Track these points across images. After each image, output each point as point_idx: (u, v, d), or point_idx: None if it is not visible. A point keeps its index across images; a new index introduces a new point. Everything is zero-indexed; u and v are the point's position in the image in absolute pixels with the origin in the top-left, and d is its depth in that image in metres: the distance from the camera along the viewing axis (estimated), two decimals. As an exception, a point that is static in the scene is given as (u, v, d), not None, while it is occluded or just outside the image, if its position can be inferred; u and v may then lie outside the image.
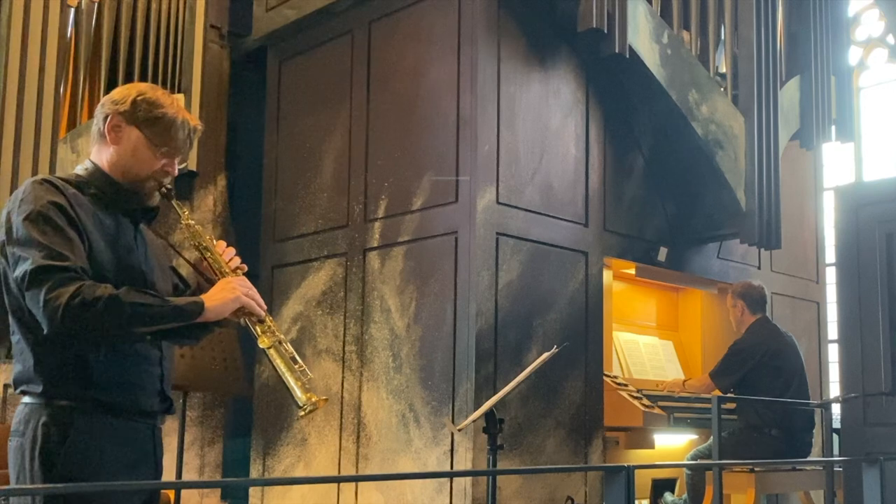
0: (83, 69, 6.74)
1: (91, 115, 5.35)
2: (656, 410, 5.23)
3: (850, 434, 5.15)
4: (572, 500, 4.84)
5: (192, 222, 2.38)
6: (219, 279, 2.31)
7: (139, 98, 2.29)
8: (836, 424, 5.86)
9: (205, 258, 2.37)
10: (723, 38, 6.04)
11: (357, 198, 5.35)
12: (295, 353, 2.30)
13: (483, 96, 4.83)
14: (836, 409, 5.82)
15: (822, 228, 7.17)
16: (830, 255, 6.62)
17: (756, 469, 5.02)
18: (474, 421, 3.79)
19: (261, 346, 2.27)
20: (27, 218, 2.10)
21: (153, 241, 2.41)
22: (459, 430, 4.25)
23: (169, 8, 6.35)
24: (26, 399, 2.15)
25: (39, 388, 2.12)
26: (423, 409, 4.79)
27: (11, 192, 4.56)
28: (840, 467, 5.05)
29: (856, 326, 5.14)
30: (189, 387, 4.45)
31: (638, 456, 5.42)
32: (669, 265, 5.79)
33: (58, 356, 2.12)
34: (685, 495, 5.28)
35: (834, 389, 6.74)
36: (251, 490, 5.58)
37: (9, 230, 2.13)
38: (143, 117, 2.28)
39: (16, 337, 2.18)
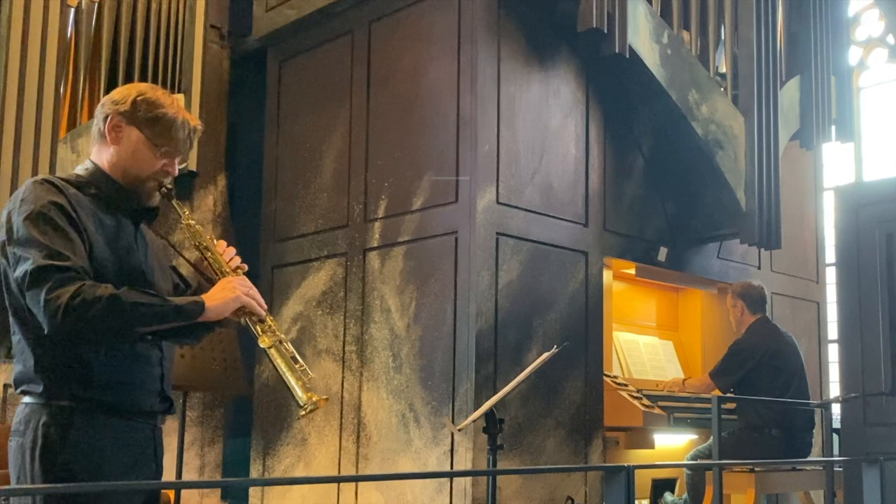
0: (83, 69, 6.75)
1: (91, 115, 5.35)
2: (656, 410, 5.23)
3: (850, 434, 5.15)
4: (572, 500, 4.84)
5: (193, 222, 2.38)
6: (219, 279, 2.32)
7: (139, 98, 2.30)
8: (836, 424, 5.86)
9: (205, 258, 2.37)
10: (723, 38, 6.04)
11: (357, 198, 5.35)
12: (295, 352, 2.30)
13: (483, 96, 4.83)
14: (836, 409, 5.83)
15: (822, 228, 7.17)
16: (830, 255, 6.62)
17: (756, 469, 5.02)
18: (474, 421, 3.79)
19: (261, 345, 2.27)
20: (28, 218, 2.11)
21: (154, 241, 2.41)
22: (459, 430, 4.25)
23: (169, 8, 6.36)
24: (27, 399, 2.15)
25: (40, 388, 2.12)
26: (423, 409, 4.79)
27: (11, 192, 4.57)
28: (840, 467, 5.05)
29: (856, 326, 5.14)
30: (189, 387, 4.45)
31: (638, 456, 5.42)
32: (669, 265, 5.79)
33: (58, 356, 2.12)
34: (685, 495, 5.28)
35: (834, 389, 6.74)
36: (251, 490, 5.58)
37: (9, 230, 2.13)
38: (144, 117, 2.28)
39: (16, 337, 2.18)
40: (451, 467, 4.62)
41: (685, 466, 5.33)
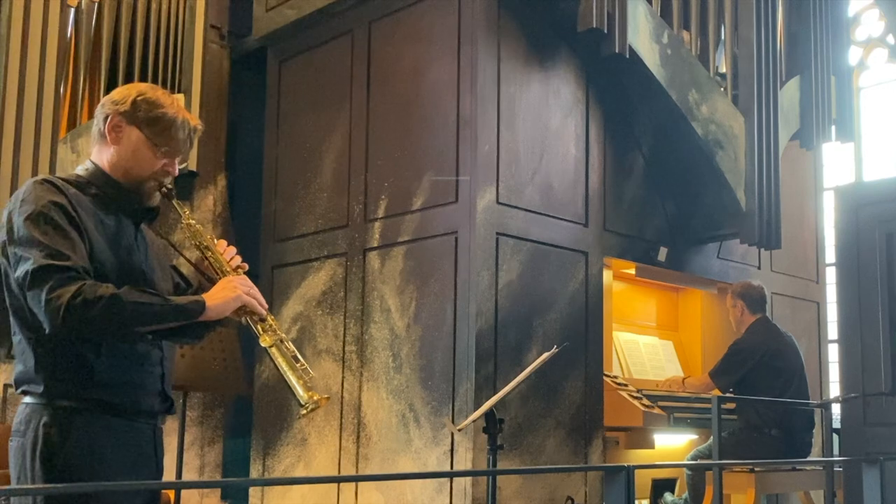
0: (83, 69, 6.74)
1: (91, 115, 5.35)
2: (656, 410, 5.23)
3: (850, 434, 5.15)
4: (572, 500, 4.84)
5: (193, 222, 2.38)
6: (220, 278, 2.32)
7: (139, 98, 2.30)
8: (836, 424, 5.86)
9: (206, 257, 2.37)
10: (723, 38, 6.04)
11: (357, 198, 5.35)
12: (296, 351, 2.30)
13: (483, 96, 4.83)
14: (836, 409, 5.83)
15: (822, 228, 7.17)
16: (830, 255, 6.62)
17: (756, 469, 5.02)
18: (474, 421, 3.79)
19: (262, 344, 2.27)
20: (28, 218, 2.11)
21: (154, 240, 2.41)
22: (459, 430, 4.24)
23: (169, 8, 6.36)
24: (27, 399, 2.15)
25: (40, 388, 2.12)
26: (423, 409, 4.79)
27: (11, 192, 4.57)
28: (840, 467, 5.05)
29: (856, 326, 5.14)
30: (189, 387, 4.45)
31: (638, 456, 5.42)
32: (669, 265, 5.79)
33: (59, 356, 2.12)
34: (685, 495, 5.28)
35: (834, 389, 6.74)
36: (251, 490, 5.58)
37: (10, 230, 2.13)
38: (144, 117, 2.28)
39: (17, 337, 2.18)
40: (451, 467, 4.62)
41: (685, 466, 5.33)
